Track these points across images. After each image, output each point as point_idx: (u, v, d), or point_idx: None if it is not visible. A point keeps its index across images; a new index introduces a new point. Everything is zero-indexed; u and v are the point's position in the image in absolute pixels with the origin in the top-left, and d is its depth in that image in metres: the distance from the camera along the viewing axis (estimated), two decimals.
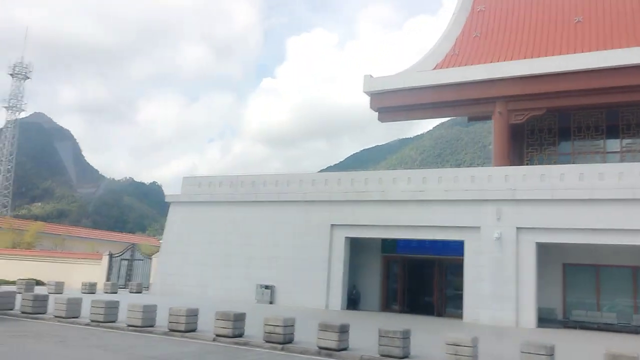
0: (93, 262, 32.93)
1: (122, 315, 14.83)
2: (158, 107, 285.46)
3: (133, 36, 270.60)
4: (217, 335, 12.95)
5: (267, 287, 25.94)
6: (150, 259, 32.10)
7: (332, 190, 25.58)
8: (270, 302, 25.62)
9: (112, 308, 14.93)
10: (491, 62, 28.94)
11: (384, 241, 26.42)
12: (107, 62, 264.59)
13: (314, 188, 26.04)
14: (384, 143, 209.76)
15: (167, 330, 13.63)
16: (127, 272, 32.08)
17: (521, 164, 29.59)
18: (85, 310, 15.68)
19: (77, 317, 15.48)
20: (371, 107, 30.50)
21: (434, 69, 30.15)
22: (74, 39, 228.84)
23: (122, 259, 32.54)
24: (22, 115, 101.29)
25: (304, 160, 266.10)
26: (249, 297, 25.74)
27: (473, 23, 32.63)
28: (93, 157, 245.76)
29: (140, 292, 28.55)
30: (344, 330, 12.00)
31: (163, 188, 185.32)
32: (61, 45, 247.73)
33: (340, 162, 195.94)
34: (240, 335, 13.06)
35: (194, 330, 13.59)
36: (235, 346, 12.31)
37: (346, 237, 25.17)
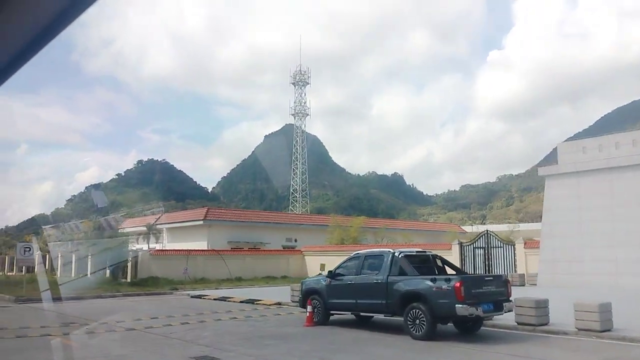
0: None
1: None
2: (389, 99, 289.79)
3: (360, 36, 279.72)
4: None
5: None
6: (512, 245, 27.52)
7: None
8: None
9: None
10: None
11: None
12: (340, 66, 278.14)
13: None
14: None
15: None
16: (485, 262, 28.04)
17: None
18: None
19: (609, 330, 11.07)
20: None
21: None
22: (310, 51, 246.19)
23: (475, 248, 28.66)
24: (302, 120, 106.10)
25: (547, 130, 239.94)
26: None
27: None
28: (338, 157, 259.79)
29: (523, 285, 24.02)
30: None
31: (404, 178, 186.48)
32: (300, 59, 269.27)
33: (590, 126, 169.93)
34: None
35: None
36: None
37: None
